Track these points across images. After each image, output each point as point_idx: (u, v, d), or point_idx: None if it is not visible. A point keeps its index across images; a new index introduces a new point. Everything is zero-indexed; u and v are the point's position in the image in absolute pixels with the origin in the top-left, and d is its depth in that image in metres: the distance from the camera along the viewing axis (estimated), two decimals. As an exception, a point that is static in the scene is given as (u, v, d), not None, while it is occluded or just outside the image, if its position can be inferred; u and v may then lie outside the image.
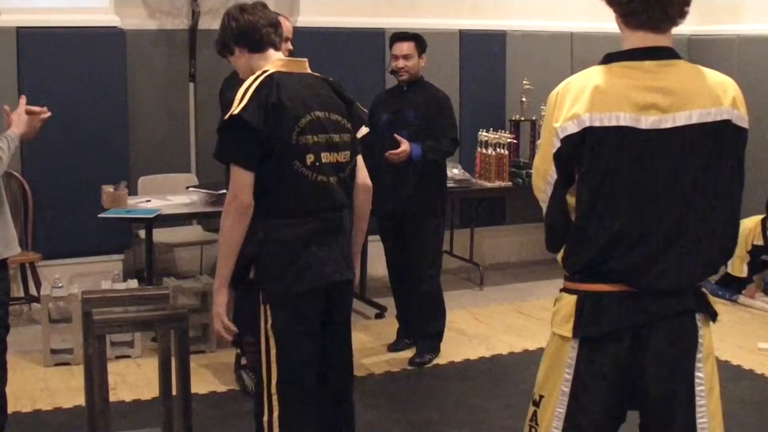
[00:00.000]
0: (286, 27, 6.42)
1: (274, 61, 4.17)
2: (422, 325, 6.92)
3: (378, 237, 7.30)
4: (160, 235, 7.41)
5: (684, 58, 3.06)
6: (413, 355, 6.87)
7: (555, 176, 3.08)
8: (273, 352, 4.07)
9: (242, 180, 3.93)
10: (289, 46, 6.41)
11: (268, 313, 4.05)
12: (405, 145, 6.52)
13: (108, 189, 7.12)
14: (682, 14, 3.02)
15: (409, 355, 6.89)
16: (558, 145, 3.02)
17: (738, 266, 8.34)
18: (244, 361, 6.46)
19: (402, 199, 6.69)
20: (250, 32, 4.20)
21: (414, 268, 6.85)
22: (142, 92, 8.54)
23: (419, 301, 6.90)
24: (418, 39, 6.81)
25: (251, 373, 6.37)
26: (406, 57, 6.73)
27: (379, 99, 7.09)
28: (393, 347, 7.07)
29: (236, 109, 3.90)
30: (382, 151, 6.58)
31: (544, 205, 3.17)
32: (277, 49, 4.25)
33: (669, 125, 2.95)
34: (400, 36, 6.84)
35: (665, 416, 3.02)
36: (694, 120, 2.96)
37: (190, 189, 7.09)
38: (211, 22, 8.59)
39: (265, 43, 4.22)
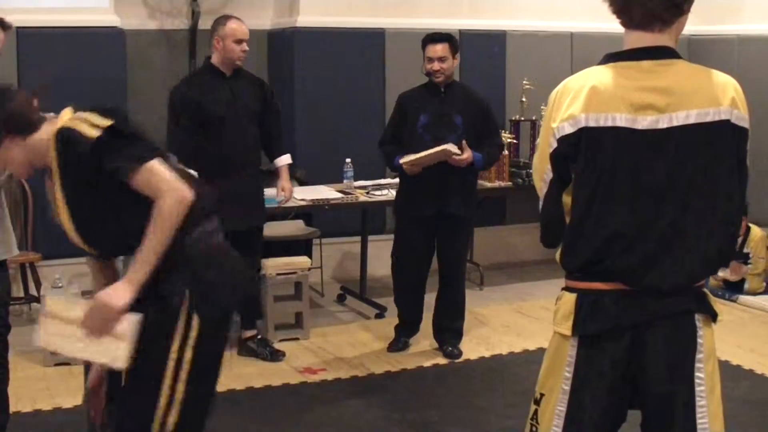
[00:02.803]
0: (242, 31, 6.51)
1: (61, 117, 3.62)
2: (449, 322, 6.97)
3: (378, 237, 7.30)
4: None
5: (683, 58, 3.06)
6: (446, 348, 6.95)
7: (550, 175, 3.09)
8: (182, 382, 3.48)
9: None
10: (245, 47, 6.52)
11: (194, 326, 3.47)
12: (469, 152, 6.50)
13: (108, 188, 7.10)
14: (670, 11, 3.00)
15: (408, 355, 6.90)
16: (555, 145, 3.03)
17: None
18: (248, 334, 6.93)
19: (444, 202, 6.64)
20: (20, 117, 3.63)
21: (449, 270, 6.89)
22: (142, 92, 8.53)
23: (450, 301, 6.95)
24: (451, 40, 6.70)
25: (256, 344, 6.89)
26: (441, 59, 6.60)
27: (410, 98, 6.85)
28: (392, 347, 7.04)
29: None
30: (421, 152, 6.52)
31: (540, 203, 3.19)
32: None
33: (665, 125, 2.95)
34: (434, 37, 6.70)
35: (665, 416, 3.03)
36: (692, 120, 2.96)
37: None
38: (211, 23, 8.58)
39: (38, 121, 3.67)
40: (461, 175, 6.64)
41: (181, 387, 3.47)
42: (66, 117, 3.58)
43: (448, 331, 6.98)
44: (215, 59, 6.62)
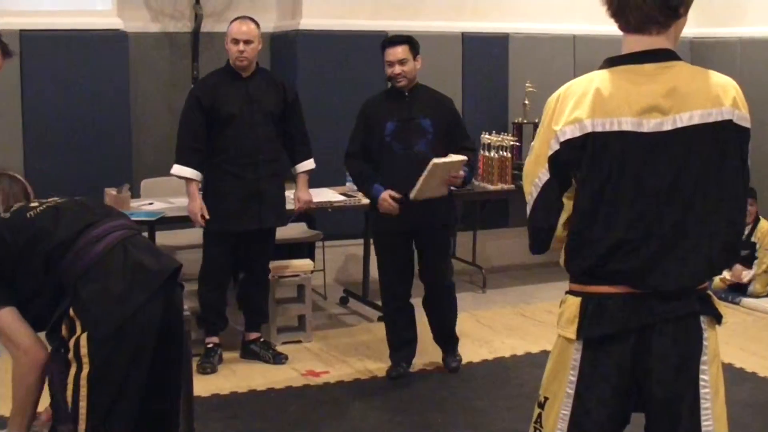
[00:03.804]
0: (236, 30, 6.55)
1: None
2: (448, 329, 6.74)
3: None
4: (163, 237, 7.41)
5: (686, 61, 3.06)
6: (449, 360, 6.70)
7: (544, 179, 3.08)
8: (83, 399, 3.66)
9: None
10: (241, 47, 6.53)
11: (82, 344, 3.63)
12: (461, 173, 6.33)
13: (111, 191, 7.13)
14: (665, 11, 2.99)
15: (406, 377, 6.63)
16: (556, 148, 3.02)
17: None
18: (251, 336, 6.98)
19: (420, 214, 6.32)
20: None
21: (437, 279, 6.59)
22: (145, 95, 8.56)
23: (444, 303, 6.67)
24: (410, 41, 6.47)
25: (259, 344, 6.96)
26: (401, 62, 6.37)
27: (374, 105, 6.57)
28: (393, 374, 6.58)
29: None
30: (392, 162, 6.36)
31: (528, 208, 3.17)
32: None
33: (670, 127, 2.96)
34: (393, 40, 6.49)
35: (670, 419, 3.02)
36: (696, 121, 2.96)
37: (194, 191, 7.10)
38: (214, 25, 8.62)
39: None
40: None
41: (83, 404, 3.61)
42: None
43: (445, 340, 6.77)
44: (230, 59, 6.68)
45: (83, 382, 3.60)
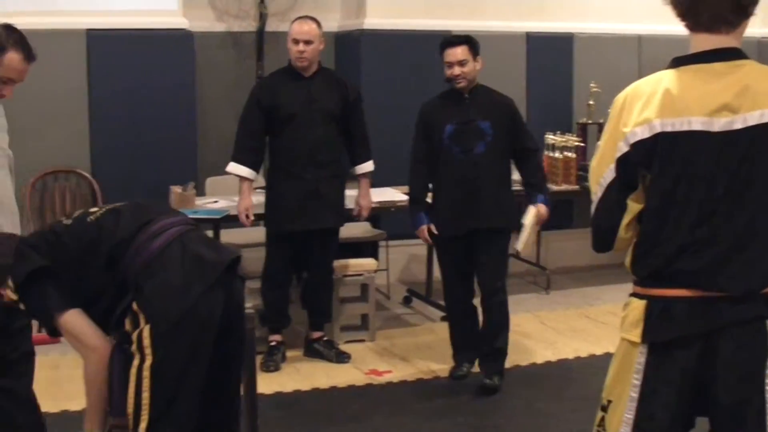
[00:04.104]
0: (296, 30, 6.62)
1: None
2: (491, 339, 6.41)
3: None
4: (228, 235, 7.44)
5: (753, 60, 3.03)
6: (484, 376, 6.36)
7: (609, 179, 3.06)
8: (146, 390, 3.64)
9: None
10: (301, 47, 6.56)
11: (145, 335, 3.61)
12: (543, 208, 6.33)
13: (176, 189, 7.19)
14: (737, 10, 2.97)
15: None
16: (626, 149, 3.00)
17: None
18: (315, 335, 7.01)
19: (479, 215, 6.27)
20: None
21: (488, 281, 6.36)
22: (210, 94, 8.61)
23: (491, 315, 6.40)
24: (470, 42, 6.35)
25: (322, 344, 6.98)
26: (461, 63, 6.25)
27: (432, 108, 6.48)
28: (454, 375, 6.56)
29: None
30: (449, 165, 6.31)
31: (593, 207, 3.15)
32: None
33: (740, 126, 2.93)
34: (451, 41, 6.38)
35: (736, 424, 2.98)
36: (766, 119, 2.93)
37: (257, 190, 7.13)
38: (279, 25, 8.64)
39: None
40: (494, 187, 6.32)
41: (146, 395, 3.61)
42: None
43: (485, 349, 6.47)
44: (290, 59, 6.72)
45: (146, 373, 3.61)
